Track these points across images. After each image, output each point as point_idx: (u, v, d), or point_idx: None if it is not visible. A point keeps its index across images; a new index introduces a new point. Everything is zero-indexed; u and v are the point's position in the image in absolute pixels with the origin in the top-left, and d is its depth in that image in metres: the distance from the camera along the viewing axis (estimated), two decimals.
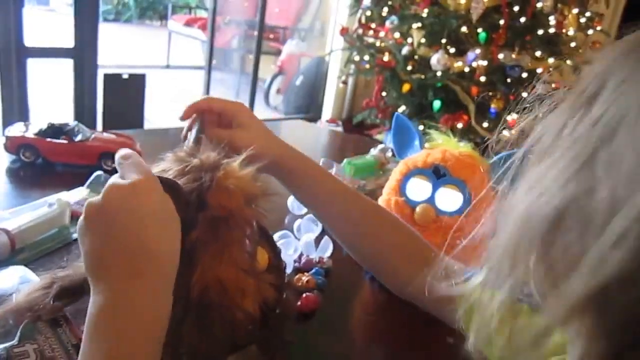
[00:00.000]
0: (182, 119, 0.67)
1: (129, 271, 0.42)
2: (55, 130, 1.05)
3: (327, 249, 0.86)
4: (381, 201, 0.83)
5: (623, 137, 0.27)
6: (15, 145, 1.02)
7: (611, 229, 0.25)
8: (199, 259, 0.48)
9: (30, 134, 1.04)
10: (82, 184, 0.93)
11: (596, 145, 0.28)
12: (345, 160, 1.20)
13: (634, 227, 0.24)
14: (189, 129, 0.68)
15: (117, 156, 0.47)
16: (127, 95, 2.81)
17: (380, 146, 1.33)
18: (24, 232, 0.75)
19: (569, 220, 0.29)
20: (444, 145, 0.81)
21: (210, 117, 0.67)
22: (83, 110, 2.58)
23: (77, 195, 0.89)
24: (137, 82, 2.84)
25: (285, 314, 0.61)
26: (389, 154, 1.30)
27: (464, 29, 2.75)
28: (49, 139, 1.03)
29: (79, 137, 1.05)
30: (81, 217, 0.44)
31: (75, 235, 0.82)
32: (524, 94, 0.44)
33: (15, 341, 0.51)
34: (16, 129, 1.06)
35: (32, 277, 0.65)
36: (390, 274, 0.70)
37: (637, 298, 0.25)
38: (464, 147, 0.81)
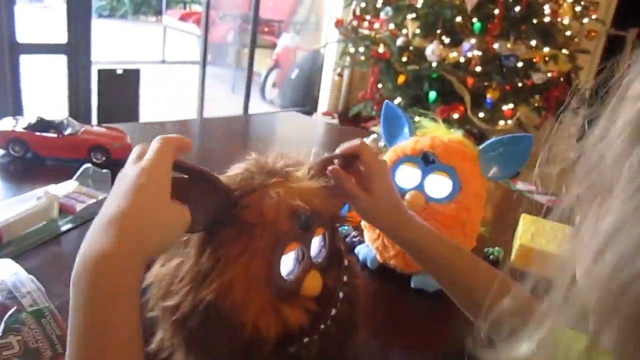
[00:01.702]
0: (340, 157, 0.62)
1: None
2: (44, 125, 1.05)
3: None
4: None
5: None
6: (4, 140, 1.02)
7: None
8: (220, 257, 0.47)
9: (19, 128, 1.03)
10: (72, 178, 0.93)
11: None
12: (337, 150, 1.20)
13: None
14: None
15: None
16: (121, 90, 2.79)
17: (373, 136, 1.32)
18: (12, 225, 0.74)
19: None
20: (433, 131, 0.80)
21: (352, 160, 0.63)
22: (78, 106, 2.56)
23: (66, 188, 0.88)
24: (131, 78, 2.82)
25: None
26: (382, 143, 1.30)
27: (458, 19, 2.74)
28: (38, 133, 1.03)
29: (68, 131, 1.04)
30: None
31: (63, 228, 0.81)
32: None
33: None
34: (5, 124, 1.05)
35: (19, 270, 0.64)
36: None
37: None
38: (453, 134, 0.80)
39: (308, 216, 0.50)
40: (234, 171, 0.52)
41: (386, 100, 0.85)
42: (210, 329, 0.47)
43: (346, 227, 0.90)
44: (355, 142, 0.63)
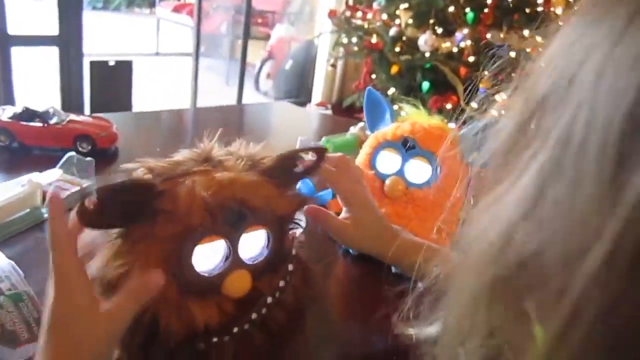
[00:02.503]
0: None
1: None
2: (30, 114, 1.05)
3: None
4: None
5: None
6: None
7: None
8: (124, 242, 0.46)
9: (4, 117, 1.03)
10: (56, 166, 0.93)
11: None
12: (323, 139, 1.20)
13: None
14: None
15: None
16: (114, 82, 2.79)
17: (360, 124, 1.33)
18: None
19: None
20: (413, 117, 0.81)
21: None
22: (70, 98, 2.56)
23: (50, 176, 0.89)
24: (123, 69, 2.82)
25: None
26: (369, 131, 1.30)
27: (451, 9, 2.74)
28: (23, 123, 1.03)
29: (53, 120, 1.04)
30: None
31: (47, 215, 0.82)
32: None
33: None
34: None
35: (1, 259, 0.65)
36: None
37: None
38: (433, 119, 0.81)
39: (233, 210, 0.46)
40: (176, 157, 0.50)
41: (368, 87, 0.86)
42: None
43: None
44: (337, 155, 0.61)
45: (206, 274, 0.47)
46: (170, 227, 0.44)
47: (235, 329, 0.48)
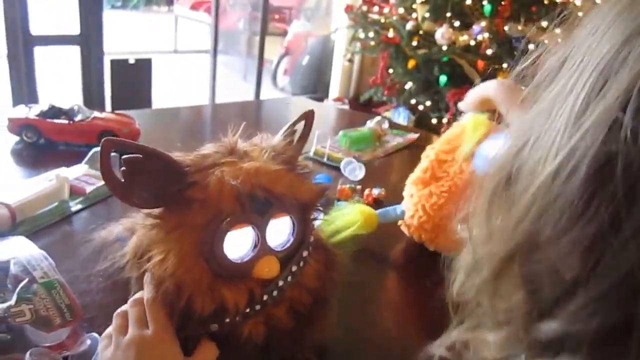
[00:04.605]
0: None
1: None
2: (56, 111, 1.08)
3: None
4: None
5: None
6: (17, 126, 1.05)
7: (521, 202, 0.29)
8: (158, 231, 0.48)
9: (32, 115, 1.07)
10: (82, 162, 0.96)
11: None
12: (341, 132, 1.22)
13: (537, 202, 0.27)
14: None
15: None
16: (134, 80, 2.83)
17: (377, 118, 1.34)
18: (25, 205, 0.78)
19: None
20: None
21: None
22: (91, 95, 2.61)
23: (77, 171, 0.92)
24: (143, 67, 2.86)
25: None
26: (386, 125, 1.31)
27: (468, 1, 2.72)
28: (49, 120, 1.06)
29: (78, 117, 1.08)
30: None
31: (74, 209, 0.85)
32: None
33: (12, 302, 0.54)
34: (19, 111, 1.09)
35: (32, 247, 0.68)
36: None
37: (542, 258, 0.28)
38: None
39: (260, 198, 0.48)
40: (204, 151, 0.52)
41: None
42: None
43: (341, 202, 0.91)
44: None
45: (237, 261, 0.50)
46: (202, 215, 0.47)
47: (247, 309, 0.50)
